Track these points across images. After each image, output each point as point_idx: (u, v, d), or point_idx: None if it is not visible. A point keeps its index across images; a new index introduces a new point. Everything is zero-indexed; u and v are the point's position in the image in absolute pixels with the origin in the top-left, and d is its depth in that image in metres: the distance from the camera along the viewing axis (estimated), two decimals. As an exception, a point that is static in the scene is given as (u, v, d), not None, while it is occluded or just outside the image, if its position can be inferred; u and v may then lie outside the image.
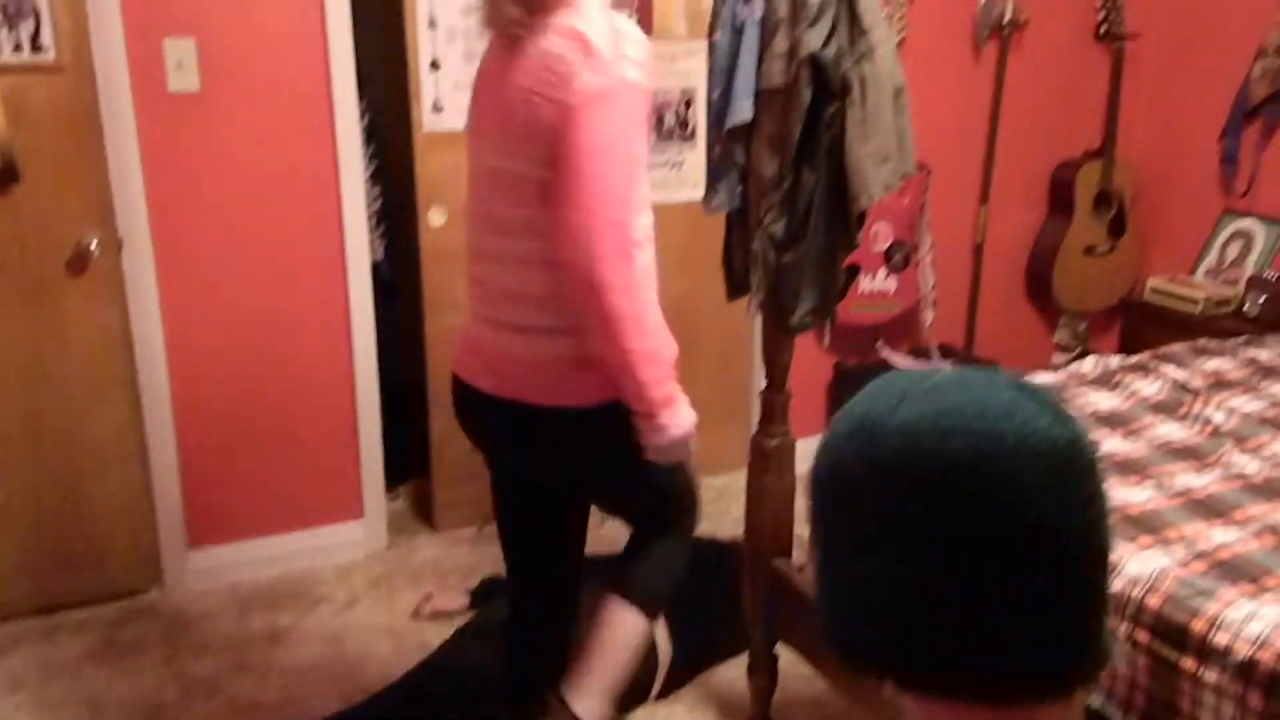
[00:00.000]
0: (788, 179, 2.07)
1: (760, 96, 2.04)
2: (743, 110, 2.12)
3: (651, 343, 1.69)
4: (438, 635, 2.74)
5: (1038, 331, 4.26)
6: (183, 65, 2.79)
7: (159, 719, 2.56)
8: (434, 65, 3.05)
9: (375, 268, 3.29)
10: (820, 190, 2.08)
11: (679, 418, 1.77)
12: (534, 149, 1.66)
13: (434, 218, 3.18)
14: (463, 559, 3.25)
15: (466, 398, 1.89)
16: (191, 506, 3.06)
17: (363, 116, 3.15)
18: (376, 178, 3.37)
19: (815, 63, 1.95)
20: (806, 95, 1.97)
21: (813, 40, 1.94)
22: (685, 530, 2.10)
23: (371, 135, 3.31)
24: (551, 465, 1.90)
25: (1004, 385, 0.79)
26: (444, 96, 3.08)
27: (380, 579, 3.16)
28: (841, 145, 2.01)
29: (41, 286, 2.78)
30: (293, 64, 2.90)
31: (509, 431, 1.85)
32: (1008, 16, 3.73)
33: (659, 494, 1.99)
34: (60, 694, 2.66)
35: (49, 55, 2.67)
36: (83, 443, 2.91)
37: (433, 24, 3.02)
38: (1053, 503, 0.73)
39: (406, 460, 3.53)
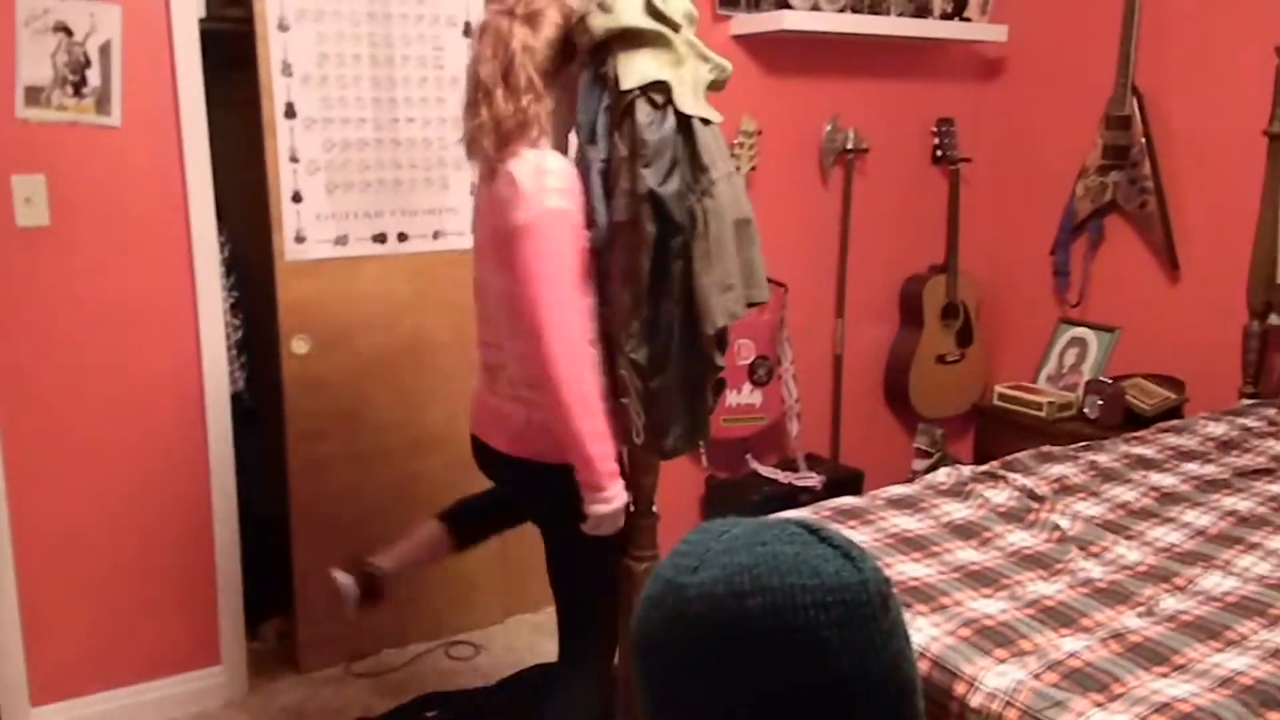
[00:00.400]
0: (644, 308, 2.15)
1: (612, 230, 2.12)
2: (592, 241, 2.22)
3: (598, 423, 2.07)
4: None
5: (898, 438, 4.42)
6: (31, 200, 2.73)
7: None
8: (296, 197, 3.05)
9: (236, 397, 3.22)
10: (678, 318, 2.16)
11: (618, 490, 2.12)
12: (505, 268, 2.06)
13: (297, 346, 3.14)
14: (329, 700, 3.13)
15: (478, 448, 2.37)
16: (35, 660, 2.88)
17: (223, 248, 3.12)
18: (238, 308, 3.32)
19: (654, 199, 2.05)
20: (650, 229, 2.08)
21: (651, 178, 2.04)
22: (599, 663, 2.31)
23: (232, 266, 3.28)
24: (526, 503, 2.41)
25: (792, 535, 0.81)
26: (306, 227, 3.08)
27: (242, 727, 3.01)
28: (689, 275, 2.11)
29: None
30: (149, 198, 2.86)
31: (501, 474, 2.35)
32: (850, 144, 3.96)
33: (589, 581, 2.29)
34: None
35: None
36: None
37: (294, 158, 3.03)
38: (853, 649, 0.75)
39: (268, 598, 3.41)
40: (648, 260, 2.11)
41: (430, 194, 3.25)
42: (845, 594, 0.77)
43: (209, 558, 3.07)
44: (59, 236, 2.77)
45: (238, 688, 3.15)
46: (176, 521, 3.02)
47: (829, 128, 3.95)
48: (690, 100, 2.09)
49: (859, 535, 2.29)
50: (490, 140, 2.06)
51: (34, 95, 2.71)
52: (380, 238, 3.21)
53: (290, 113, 3.00)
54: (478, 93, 2.09)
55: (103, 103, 2.79)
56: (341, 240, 3.15)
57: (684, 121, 2.09)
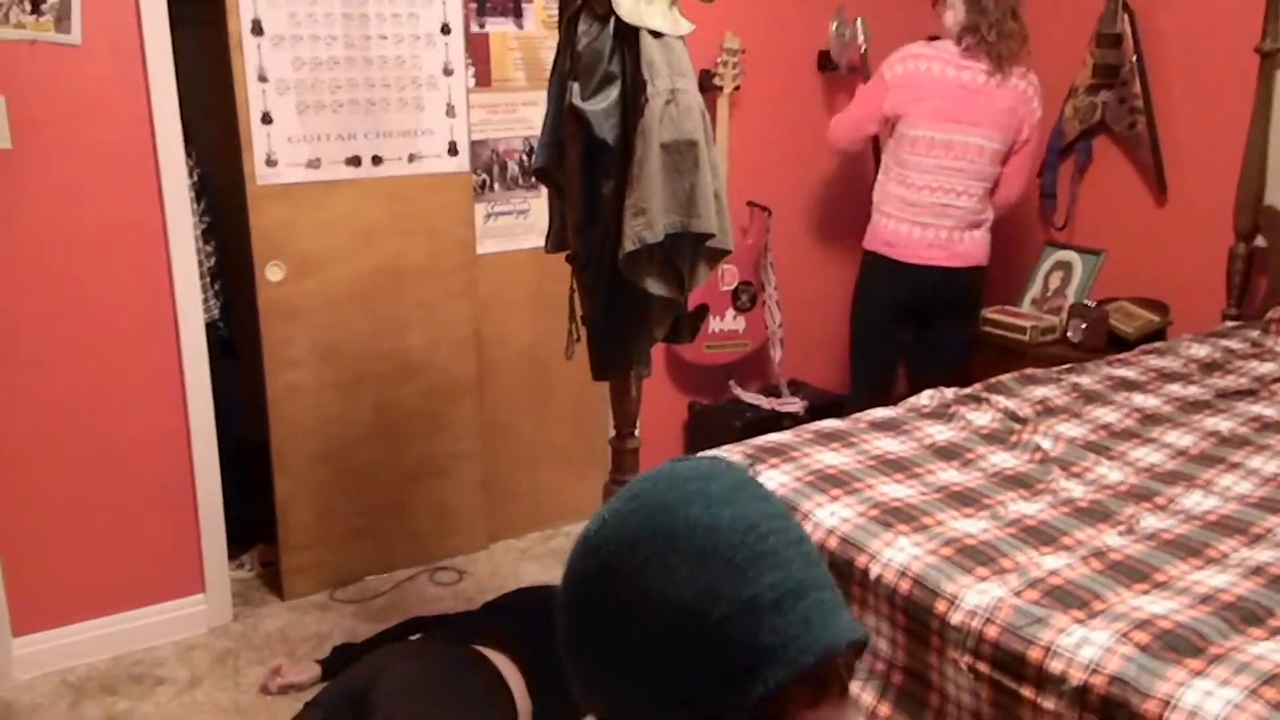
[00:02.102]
0: (582, 230, 2.09)
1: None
2: (537, 158, 2.16)
3: None
4: (288, 709, 2.61)
5: (882, 364, 4.39)
6: (-9, 123, 2.64)
7: (-21, 825, 2.38)
8: (265, 119, 2.97)
9: (212, 326, 3.17)
10: (608, 242, 2.09)
11: None
12: (1005, 135, 3.34)
13: (271, 273, 3.08)
14: (313, 627, 3.13)
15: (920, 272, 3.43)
16: (14, 590, 2.86)
17: (192, 172, 3.04)
18: (209, 234, 3.25)
19: (578, 114, 1.97)
20: (577, 146, 2.00)
21: (577, 93, 1.97)
22: None
23: (202, 191, 3.20)
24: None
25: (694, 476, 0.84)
26: (277, 149, 3.01)
27: (225, 654, 3.01)
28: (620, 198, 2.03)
29: None
30: (113, 119, 2.78)
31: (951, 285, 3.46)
32: (862, 38, 3.82)
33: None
34: None
35: None
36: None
37: (263, 77, 2.94)
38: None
39: (251, 525, 3.39)
40: (577, 180, 2.05)
41: (404, 115, 3.17)
42: (713, 472, 0.83)
43: (189, 487, 3.05)
44: (21, 160, 2.69)
45: (221, 615, 3.15)
46: (156, 451, 2.99)
47: (835, 25, 3.85)
48: (637, 9, 1.97)
49: (841, 458, 2.27)
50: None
51: (-11, 12, 2.61)
52: (354, 161, 3.13)
53: (257, 29, 2.91)
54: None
55: (62, 20, 2.69)
56: (314, 164, 3.07)
57: (629, 32, 1.98)
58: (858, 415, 2.54)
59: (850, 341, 3.62)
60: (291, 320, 3.14)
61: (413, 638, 2.76)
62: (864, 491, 2.11)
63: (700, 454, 0.88)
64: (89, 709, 2.76)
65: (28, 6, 2.66)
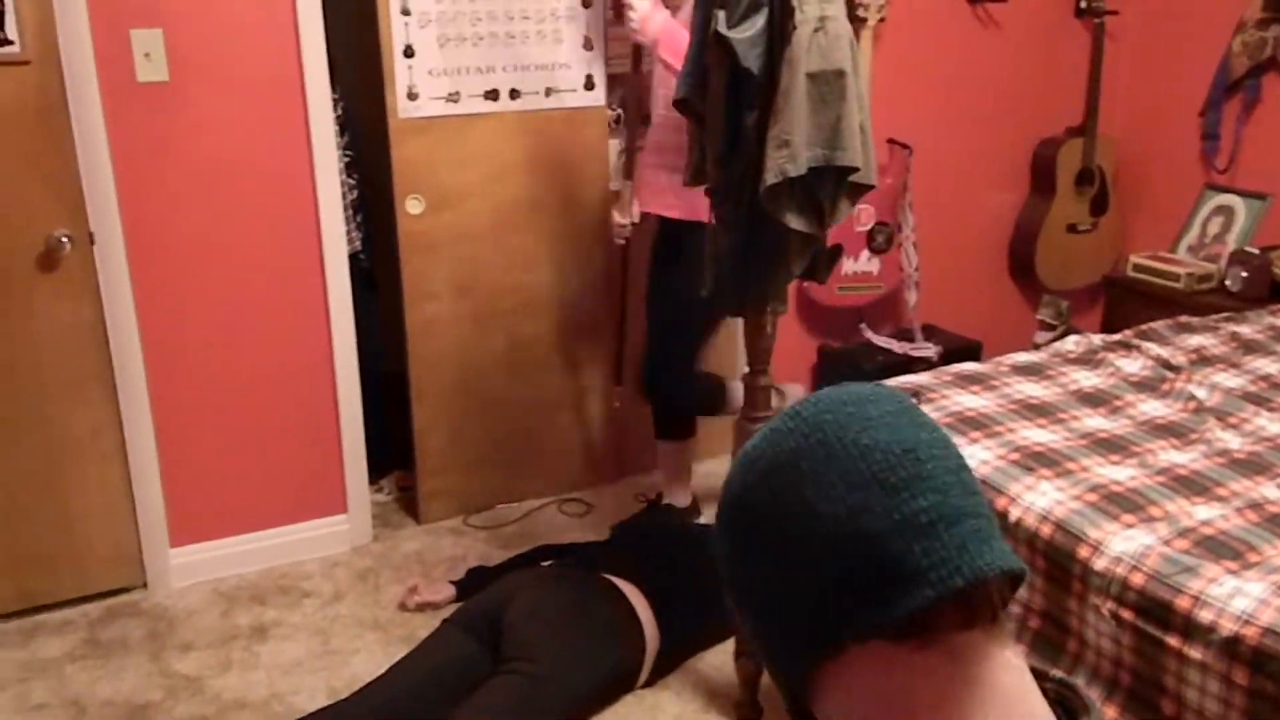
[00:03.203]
0: (723, 161, 2.06)
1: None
2: (679, 88, 2.13)
3: None
4: (424, 627, 2.72)
5: (1020, 310, 4.26)
6: (151, 56, 2.75)
7: (144, 718, 2.54)
8: (408, 52, 3.02)
9: (354, 258, 3.26)
10: (750, 174, 2.05)
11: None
12: None
13: (411, 206, 3.15)
14: (448, 550, 3.23)
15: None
16: (173, 504, 3.03)
17: (336, 106, 3.11)
18: (352, 168, 3.33)
19: (723, 42, 1.92)
20: (719, 76, 1.96)
21: (723, 20, 1.92)
22: None
23: (345, 125, 3.28)
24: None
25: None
26: (418, 83, 3.05)
27: (365, 572, 3.14)
28: (763, 129, 1.99)
29: (11, 283, 2.74)
30: (263, 53, 2.86)
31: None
32: None
33: None
34: (43, 695, 2.63)
35: (14, 48, 2.63)
36: (59, 441, 2.87)
37: (405, 11, 2.98)
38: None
39: (389, 452, 3.51)
40: (720, 110, 2.01)
41: (542, 49, 3.18)
42: (874, 395, 0.83)
43: (333, 413, 3.17)
44: (178, 93, 2.80)
45: (362, 535, 3.28)
46: (302, 378, 3.11)
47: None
48: None
49: (981, 400, 2.21)
50: None
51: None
52: (492, 94, 3.16)
53: (402, -37, 2.95)
54: None
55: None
56: (454, 97, 3.11)
57: None
58: (999, 359, 2.47)
59: (696, 328, 3.12)
60: (430, 253, 3.21)
61: (544, 564, 2.83)
62: (1004, 435, 2.06)
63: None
64: (239, 617, 2.92)
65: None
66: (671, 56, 2.59)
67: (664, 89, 2.79)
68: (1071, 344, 2.61)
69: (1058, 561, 1.77)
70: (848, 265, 3.72)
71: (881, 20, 3.51)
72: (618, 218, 3.10)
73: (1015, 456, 1.97)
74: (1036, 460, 1.96)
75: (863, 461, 0.77)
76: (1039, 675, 0.80)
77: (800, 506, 0.78)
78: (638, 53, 2.96)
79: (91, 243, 2.78)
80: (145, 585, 3.05)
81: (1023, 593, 1.86)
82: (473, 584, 2.86)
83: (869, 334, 3.88)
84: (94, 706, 2.59)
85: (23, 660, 2.77)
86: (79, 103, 2.70)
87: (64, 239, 2.73)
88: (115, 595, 3.02)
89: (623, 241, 3.15)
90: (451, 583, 2.93)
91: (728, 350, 3.71)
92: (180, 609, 2.97)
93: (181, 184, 2.86)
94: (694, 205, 2.73)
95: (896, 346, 3.80)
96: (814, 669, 0.79)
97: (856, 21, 3.44)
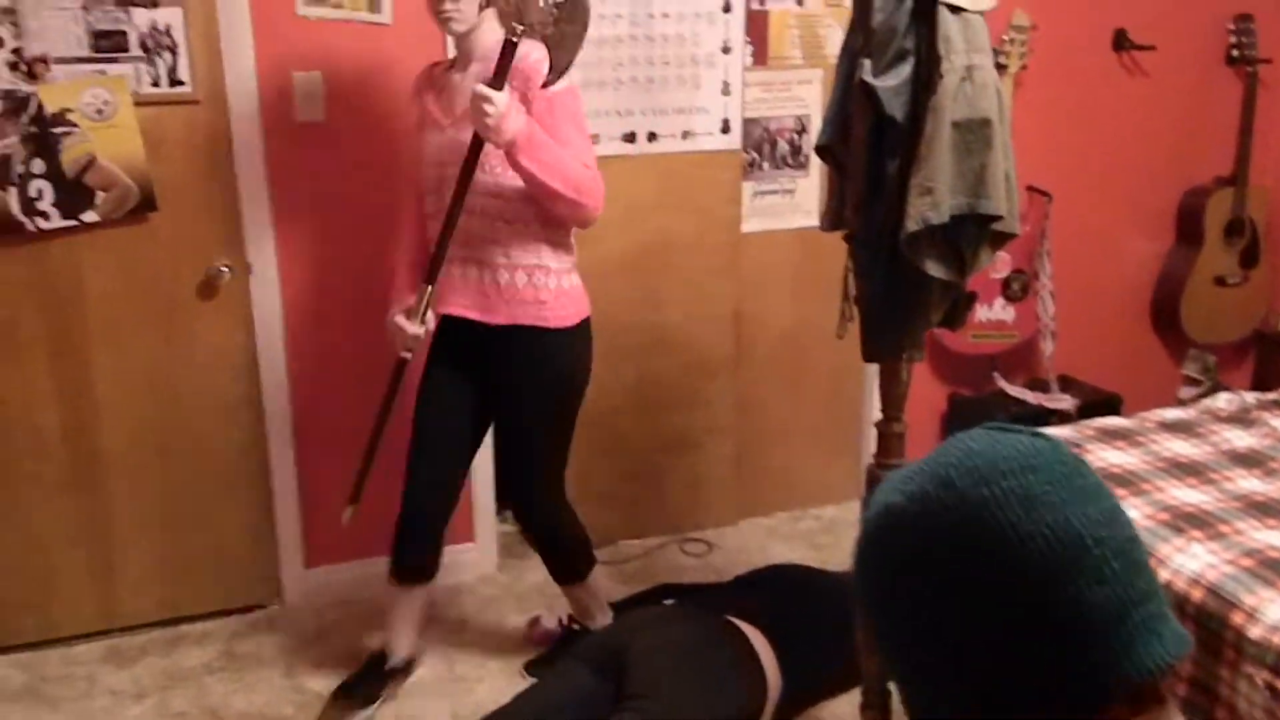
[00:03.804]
0: (863, 206, 2.05)
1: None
2: (821, 135, 2.14)
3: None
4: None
5: (1164, 364, 4.11)
6: (310, 96, 2.89)
7: (276, 732, 2.63)
8: (550, 95, 3.10)
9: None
10: (890, 221, 2.03)
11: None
12: None
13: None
14: (570, 584, 3.27)
15: None
16: (310, 525, 3.14)
17: (480, 145, 3.21)
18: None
19: (868, 90, 1.92)
20: (863, 123, 1.96)
21: (868, 68, 1.92)
22: None
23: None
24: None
25: (978, 433, 0.84)
26: (559, 125, 3.13)
27: (490, 601, 3.19)
28: (905, 176, 1.98)
29: (174, 310, 2.90)
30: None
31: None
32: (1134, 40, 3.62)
33: None
34: (183, 703, 2.75)
35: (186, 89, 2.80)
36: (209, 461, 3.01)
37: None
38: (1065, 499, 0.77)
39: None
40: (862, 157, 2.01)
41: (682, 93, 3.23)
42: (1034, 459, 0.78)
43: (462, 442, 3.24)
44: (332, 132, 2.93)
45: (488, 563, 3.34)
46: (434, 406, 3.19)
47: None
48: None
49: (1127, 457, 2.15)
50: None
51: (315, -5, 2.86)
52: (630, 137, 3.22)
53: (548, 10, 3.04)
54: None
55: (375, 0, 2.90)
56: (593, 139, 3.17)
57: (926, 9, 1.94)
58: (1144, 414, 2.39)
59: (567, 436, 2.71)
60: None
61: (666, 602, 2.83)
62: (1153, 494, 1.99)
63: (1015, 426, 0.84)
64: (369, 637, 3.00)
65: None
66: (530, 161, 2.28)
67: (495, 177, 2.42)
68: (1223, 401, 2.51)
69: (1209, 627, 1.70)
70: (981, 312, 3.66)
71: (1023, 67, 3.46)
72: (407, 326, 2.53)
73: (1165, 517, 1.90)
74: (1187, 521, 1.89)
75: (1022, 551, 0.74)
76: None
77: (955, 598, 0.76)
78: (476, 147, 2.35)
79: (249, 273, 2.93)
80: (281, 602, 3.16)
81: (1172, 659, 1.79)
82: (595, 619, 2.88)
83: (1002, 383, 3.79)
84: (230, 717, 2.69)
85: (165, 668, 2.89)
86: (242, 140, 2.85)
87: (224, 269, 2.88)
88: (252, 610, 3.14)
89: (408, 354, 2.59)
90: (572, 617, 2.95)
91: (858, 397, 3.68)
92: (313, 627, 3.07)
93: (332, 218, 2.98)
94: (514, 307, 2.47)
95: (1031, 397, 3.71)
96: None
97: (997, 68, 3.40)
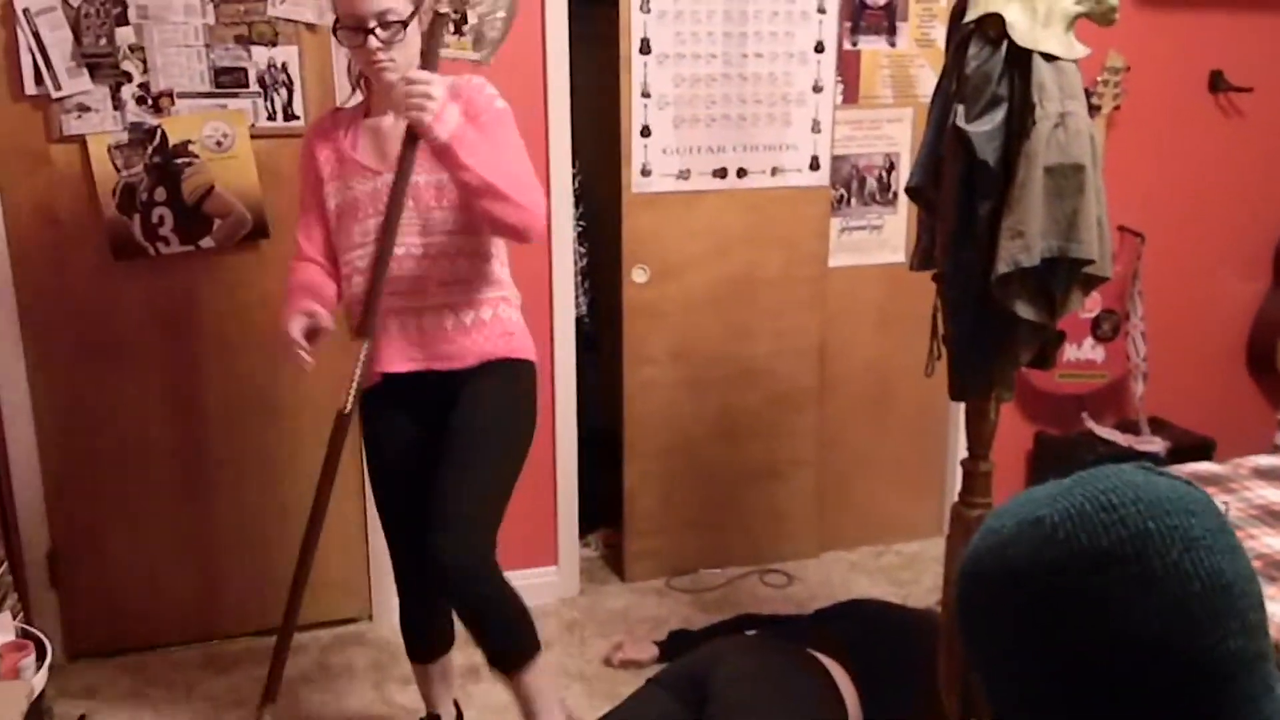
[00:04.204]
0: (952, 248, 2.09)
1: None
2: (912, 176, 2.18)
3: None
4: (628, 684, 2.79)
5: (1260, 409, 4.03)
6: (415, 131, 3.00)
7: (366, 743, 2.72)
8: (644, 132, 3.19)
9: (579, 321, 3.43)
10: (978, 263, 2.06)
11: None
12: None
13: (637, 275, 3.30)
14: (651, 610, 3.31)
15: None
16: (401, 543, 3.23)
17: (574, 180, 3.31)
18: (583, 237, 3.52)
19: (961, 136, 1.96)
20: (955, 167, 1.99)
21: (961, 114, 1.96)
22: None
23: (581, 197, 3.47)
24: None
25: (1133, 468, 0.84)
26: (651, 160, 3.21)
27: (572, 624, 3.25)
28: (997, 219, 2.00)
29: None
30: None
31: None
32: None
33: None
34: (278, 712, 2.85)
35: (300, 123, 2.93)
36: (309, 478, 3.12)
37: (645, 93, 3.16)
38: (1217, 548, 0.79)
39: (597, 508, 3.64)
40: (953, 199, 2.04)
41: (772, 130, 3.29)
42: (1194, 504, 0.79)
43: (550, 468, 3.32)
44: (437, 164, 3.04)
45: (570, 588, 3.41)
46: (523, 431, 3.27)
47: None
48: (1033, 32, 1.96)
49: (1218, 503, 2.13)
50: None
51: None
52: (720, 173, 3.29)
53: (645, 48, 3.13)
54: None
55: (479, 40, 3.02)
56: (684, 174, 3.25)
57: (1021, 56, 1.97)
58: (1238, 460, 2.37)
59: (512, 481, 2.37)
60: (651, 320, 3.34)
61: (748, 633, 2.86)
62: (1244, 541, 1.97)
63: (1167, 470, 0.86)
64: (455, 655, 3.06)
65: (451, 27, 3.00)
66: (470, 157, 2.04)
67: (426, 211, 2.20)
68: (1319, 449, 2.47)
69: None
70: (1070, 352, 3.64)
71: (1117, 108, 3.45)
72: (349, 401, 2.23)
73: (1257, 564, 1.88)
74: (1278, 570, 1.87)
75: (1181, 590, 0.75)
76: None
77: (1103, 615, 0.76)
78: (407, 155, 2.12)
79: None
80: (371, 618, 3.26)
81: (1262, 709, 1.77)
82: (676, 646, 2.92)
83: (1091, 424, 3.76)
84: (322, 727, 2.79)
85: (261, 677, 2.96)
86: (350, 172, 2.98)
87: (328, 294, 3.00)
88: (344, 624, 3.24)
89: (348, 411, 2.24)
90: (655, 643, 3.00)
91: (943, 434, 3.68)
92: (396, 645, 3.14)
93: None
94: (486, 344, 2.26)
95: (1121, 439, 3.67)
96: None
97: (1090, 109, 3.39)
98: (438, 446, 2.25)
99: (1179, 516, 0.78)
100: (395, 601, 3.22)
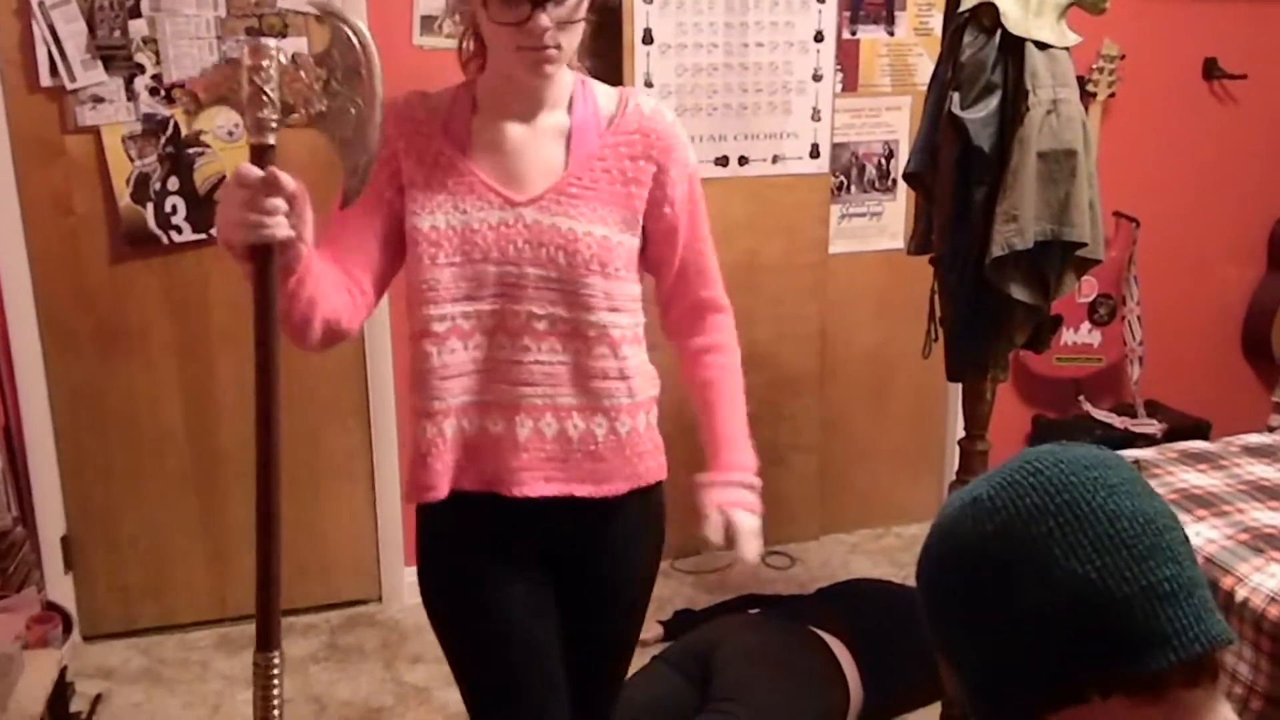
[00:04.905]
0: (948, 232, 2.14)
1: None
2: (910, 163, 2.23)
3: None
4: (634, 662, 2.83)
5: (1255, 392, 4.08)
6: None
7: (378, 720, 2.79)
8: (647, 120, 3.23)
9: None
10: (974, 247, 2.12)
11: None
12: None
13: (640, 263, 3.35)
14: (656, 590, 3.35)
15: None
16: (410, 526, 3.29)
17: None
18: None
19: (956, 122, 2.01)
20: (950, 153, 2.05)
21: (957, 101, 2.01)
22: None
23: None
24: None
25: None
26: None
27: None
28: (991, 204, 2.06)
29: (292, 319, 3.08)
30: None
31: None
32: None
33: None
34: (289, 690, 2.90)
35: (309, 113, 2.98)
36: (320, 462, 3.19)
37: (649, 83, 3.21)
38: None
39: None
40: (949, 185, 2.10)
41: (773, 118, 3.34)
42: (1108, 459, 0.89)
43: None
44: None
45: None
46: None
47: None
48: (1025, 21, 2.01)
49: (1209, 479, 2.19)
50: None
51: (428, 24, 3.03)
52: (722, 161, 3.34)
53: (648, 39, 3.17)
54: None
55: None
56: (686, 162, 3.30)
57: (1014, 44, 2.02)
58: (1229, 439, 2.43)
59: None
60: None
61: (751, 611, 2.92)
62: (1233, 515, 2.03)
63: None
64: None
65: (458, 17, 3.05)
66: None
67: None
68: (1308, 428, 2.53)
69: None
70: (1067, 336, 3.69)
71: (1112, 95, 3.50)
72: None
73: (1245, 537, 1.95)
74: (1267, 542, 1.93)
75: (1111, 527, 0.83)
76: None
77: (1047, 563, 0.83)
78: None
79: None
80: (380, 599, 3.33)
81: (1246, 673, 1.83)
82: (680, 625, 2.98)
83: (1088, 406, 3.81)
84: (333, 705, 2.85)
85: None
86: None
87: (338, 281, 3.06)
88: (354, 606, 3.30)
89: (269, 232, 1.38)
90: (660, 622, 3.06)
91: (941, 417, 3.73)
92: (411, 624, 3.22)
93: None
94: (636, 464, 1.67)
95: (1117, 421, 3.72)
96: (1044, 711, 0.84)
97: (1086, 96, 3.44)
98: (573, 614, 1.69)
99: (1097, 469, 0.87)
100: (406, 582, 3.30)
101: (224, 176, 2.94)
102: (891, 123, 3.47)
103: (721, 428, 1.73)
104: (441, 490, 1.59)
